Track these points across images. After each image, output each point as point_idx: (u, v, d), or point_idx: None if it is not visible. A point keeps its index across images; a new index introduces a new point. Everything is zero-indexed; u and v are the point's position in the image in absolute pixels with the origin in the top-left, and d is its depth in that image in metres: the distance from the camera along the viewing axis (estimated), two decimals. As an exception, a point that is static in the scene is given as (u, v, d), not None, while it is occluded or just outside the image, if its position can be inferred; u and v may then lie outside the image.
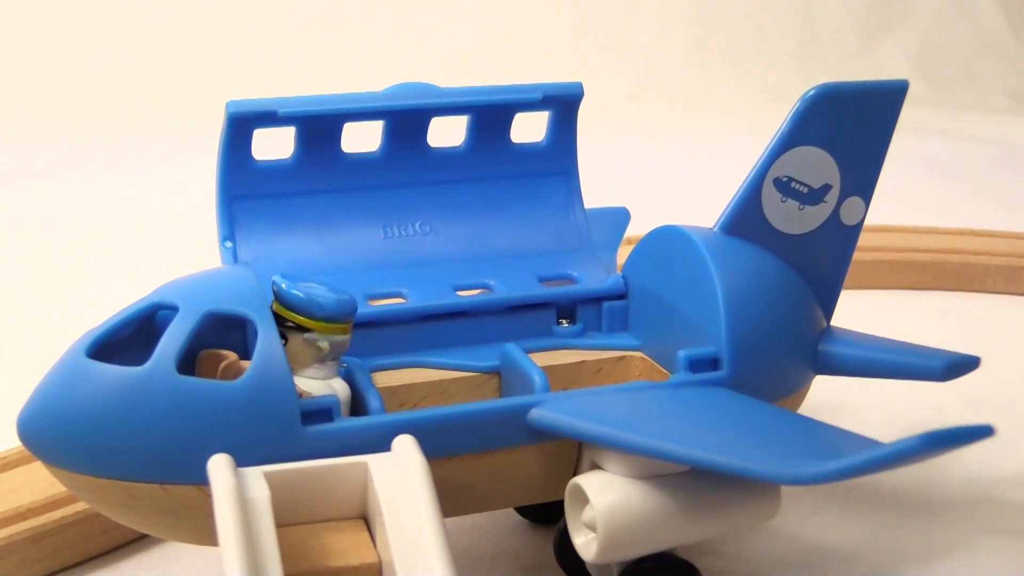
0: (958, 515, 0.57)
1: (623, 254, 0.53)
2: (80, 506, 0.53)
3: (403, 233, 0.52)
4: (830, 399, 0.57)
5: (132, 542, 0.55)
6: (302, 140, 0.51)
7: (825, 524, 0.56)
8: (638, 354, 0.52)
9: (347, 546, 0.40)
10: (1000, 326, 0.80)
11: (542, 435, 0.44)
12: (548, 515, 0.54)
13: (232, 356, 0.44)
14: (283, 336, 0.43)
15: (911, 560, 0.53)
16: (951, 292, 0.86)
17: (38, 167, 1.21)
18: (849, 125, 0.50)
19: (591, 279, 0.53)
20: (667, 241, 0.50)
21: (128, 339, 0.44)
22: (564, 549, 0.48)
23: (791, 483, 0.38)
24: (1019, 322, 0.81)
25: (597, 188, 0.59)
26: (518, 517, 0.55)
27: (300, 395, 0.42)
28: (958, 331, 0.77)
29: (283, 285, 0.43)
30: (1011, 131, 1.46)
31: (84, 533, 0.53)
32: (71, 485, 0.43)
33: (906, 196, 0.87)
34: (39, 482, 0.53)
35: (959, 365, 0.52)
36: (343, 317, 0.44)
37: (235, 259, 0.50)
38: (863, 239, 0.53)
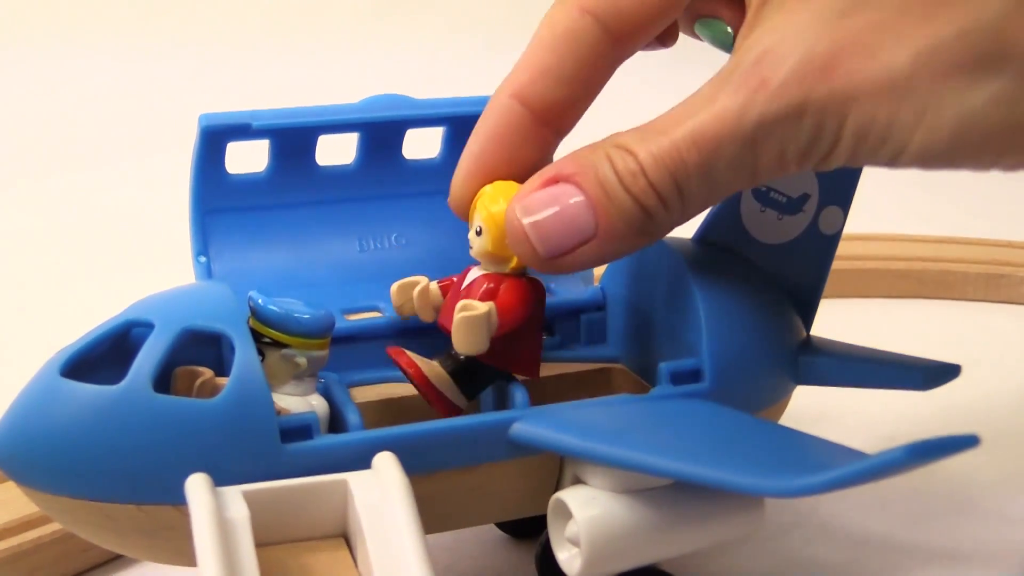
0: (942, 526, 0.56)
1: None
2: (57, 526, 0.52)
3: (379, 246, 0.52)
4: (811, 409, 0.57)
5: (110, 561, 0.54)
6: (276, 153, 0.50)
7: (808, 536, 0.55)
8: (618, 366, 0.52)
9: (327, 565, 0.39)
10: (980, 334, 0.80)
11: (524, 450, 0.44)
12: (529, 530, 0.54)
13: (208, 373, 0.44)
14: (260, 352, 0.42)
15: (895, 571, 0.53)
16: (931, 300, 0.86)
17: (7, 179, 1.20)
18: (828, 134, 0.50)
19: (569, 291, 0.53)
20: (646, 252, 0.50)
21: (102, 357, 0.43)
22: (546, 564, 0.48)
23: (776, 496, 0.38)
24: (999, 330, 0.81)
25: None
26: (499, 532, 0.55)
27: (278, 412, 0.42)
28: (938, 339, 0.77)
29: (260, 300, 0.43)
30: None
31: (62, 552, 0.53)
32: (46, 506, 0.42)
33: (884, 204, 0.87)
34: (14, 501, 0.53)
35: (940, 374, 0.52)
36: (321, 332, 0.44)
37: (209, 274, 0.49)
38: (842, 247, 0.52)
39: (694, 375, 0.47)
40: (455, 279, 0.47)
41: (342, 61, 1.47)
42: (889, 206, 0.90)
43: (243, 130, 0.48)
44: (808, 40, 0.39)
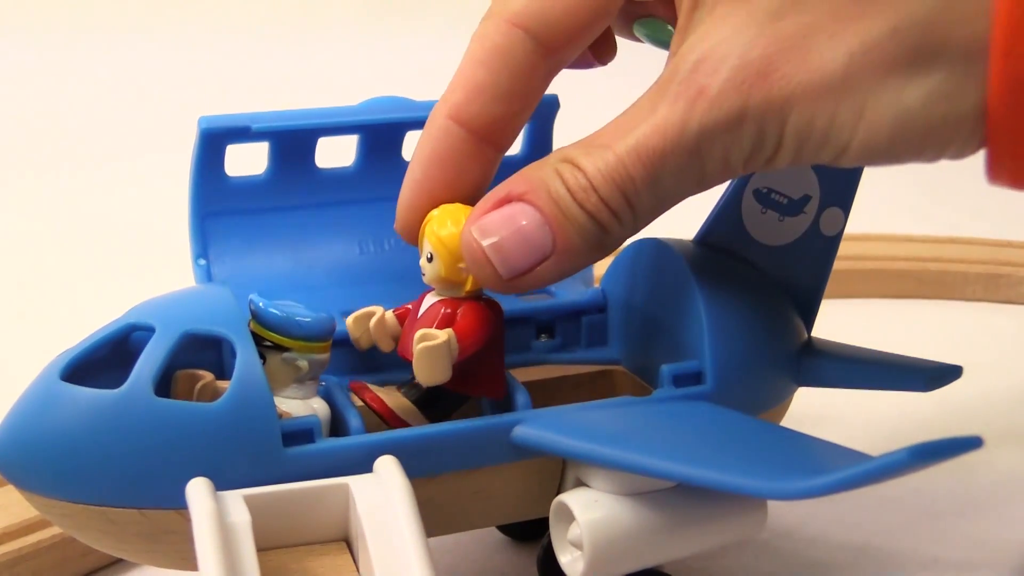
0: (943, 528, 0.56)
1: (601, 266, 0.52)
2: (56, 530, 0.52)
3: (379, 248, 0.52)
4: (812, 410, 0.57)
5: (110, 565, 0.54)
6: (276, 155, 0.50)
7: (810, 538, 0.55)
8: (619, 368, 0.51)
9: (329, 570, 0.39)
10: (980, 334, 0.80)
11: (526, 453, 0.44)
12: (530, 533, 0.54)
13: (208, 376, 0.44)
14: (261, 356, 0.42)
15: (897, 573, 0.53)
16: (931, 300, 0.86)
17: (5, 181, 1.20)
18: (829, 135, 0.49)
19: (569, 292, 0.53)
20: (647, 253, 0.50)
21: (103, 361, 0.43)
22: (548, 566, 0.47)
23: (779, 498, 0.38)
24: (999, 330, 0.81)
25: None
26: (500, 535, 0.55)
27: (279, 415, 0.41)
28: (939, 340, 0.77)
29: (261, 304, 0.43)
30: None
31: (62, 556, 0.53)
32: (46, 511, 0.42)
33: (884, 204, 0.87)
34: (14, 505, 0.52)
35: (942, 375, 0.52)
36: (322, 335, 0.43)
37: (209, 277, 0.49)
38: (841, 247, 0.52)
39: (696, 377, 0.47)
40: (411, 306, 0.46)
41: (342, 61, 1.47)
42: (888, 206, 0.91)
43: (243, 132, 0.48)
44: (742, 45, 0.39)
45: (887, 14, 0.38)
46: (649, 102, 0.41)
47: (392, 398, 0.45)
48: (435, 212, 0.45)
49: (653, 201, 0.41)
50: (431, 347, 0.42)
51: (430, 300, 0.45)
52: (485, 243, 0.42)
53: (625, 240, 0.43)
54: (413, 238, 0.46)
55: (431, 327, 0.44)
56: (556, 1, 0.44)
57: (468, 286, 0.44)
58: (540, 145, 0.53)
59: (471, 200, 0.45)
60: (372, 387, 0.46)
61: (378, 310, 0.46)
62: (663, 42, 0.48)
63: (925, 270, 0.86)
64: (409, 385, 0.46)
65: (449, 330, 0.43)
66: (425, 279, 0.45)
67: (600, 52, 0.49)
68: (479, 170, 0.45)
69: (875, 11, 0.38)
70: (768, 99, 0.39)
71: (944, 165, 0.41)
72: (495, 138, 0.45)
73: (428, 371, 0.43)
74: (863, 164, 0.41)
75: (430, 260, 0.44)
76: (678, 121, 0.40)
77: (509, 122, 0.45)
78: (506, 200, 0.42)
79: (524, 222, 0.42)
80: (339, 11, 1.59)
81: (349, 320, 0.46)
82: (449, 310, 0.44)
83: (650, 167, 0.40)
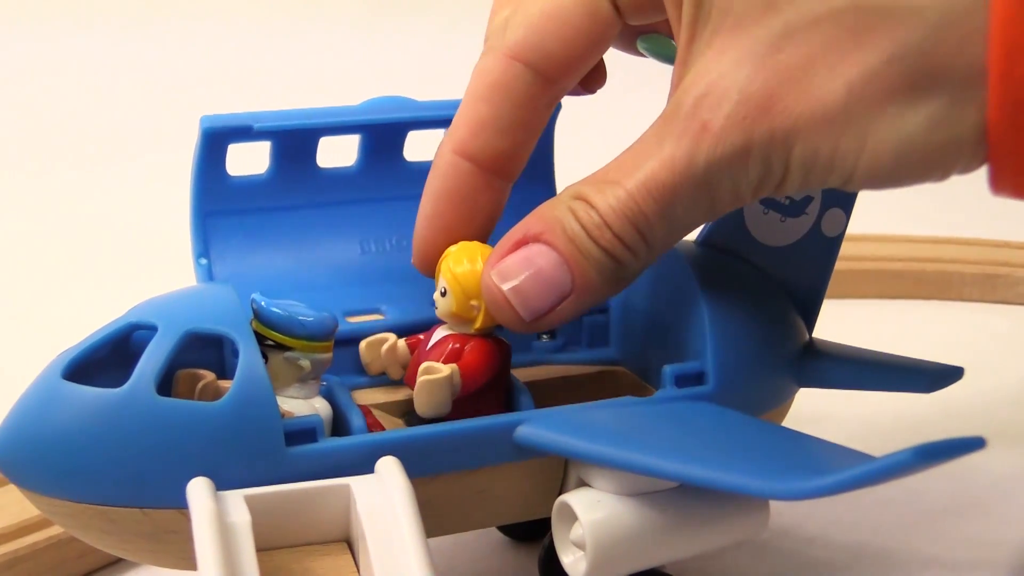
0: (941, 528, 0.56)
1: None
2: (54, 531, 0.52)
3: (380, 248, 0.52)
4: (812, 410, 0.57)
5: (107, 566, 0.54)
6: (277, 155, 0.50)
7: (810, 538, 0.55)
8: (621, 368, 0.51)
9: (330, 570, 0.39)
10: (978, 334, 0.80)
11: (528, 453, 0.44)
12: (531, 533, 0.54)
13: (210, 376, 0.44)
14: (263, 355, 0.42)
15: (895, 572, 0.53)
16: (928, 301, 0.86)
17: (7, 180, 1.20)
18: (831, 136, 0.49)
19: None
20: (649, 254, 0.50)
21: (105, 360, 0.43)
22: (549, 567, 0.47)
23: (782, 499, 0.38)
24: (996, 330, 0.81)
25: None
26: (500, 535, 0.55)
27: (282, 415, 0.41)
28: (935, 339, 0.77)
29: (263, 303, 0.43)
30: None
31: (58, 558, 0.52)
32: (48, 510, 0.42)
33: (881, 204, 0.87)
34: (11, 506, 0.52)
35: (943, 376, 0.52)
36: (325, 335, 0.43)
37: (210, 276, 0.49)
38: (841, 248, 0.52)
39: (698, 378, 0.47)
40: (422, 337, 0.47)
41: (344, 61, 1.47)
42: (886, 206, 0.90)
43: (244, 132, 0.48)
44: (742, 79, 0.39)
45: (883, 43, 0.38)
46: (655, 137, 0.41)
47: (394, 426, 0.46)
48: (453, 248, 0.46)
49: (666, 233, 0.42)
50: (432, 381, 0.43)
51: (440, 333, 0.46)
52: (505, 287, 0.43)
53: (641, 272, 0.44)
54: (430, 272, 0.47)
55: (438, 360, 0.45)
56: (553, 33, 0.45)
57: (478, 323, 0.45)
58: (542, 148, 0.53)
59: (484, 230, 0.46)
60: (376, 412, 0.46)
61: (391, 337, 0.47)
62: (667, 57, 0.48)
63: (923, 270, 0.86)
64: (412, 414, 0.46)
65: (453, 365, 0.44)
66: (437, 313, 0.46)
67: (589, 81, 0.49)
68: (489, 202, 0.47)
69: (871, 41, 0.38)
70: (771, 132, 0.39)
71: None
72: (502, 170, 0.47)
73: (427, 404, 0.44)
74: (870, 188, 0.41)
75: (443, 295, 0.45)
76: (685, 156, 0.40)
77: (515, 153, 0.47)
78: (523, 242, 0.43)
79: (542, 263, 0.42)
80: (341, 10, 1.59)
81: (362, 345, 0.47)
82: (457, 345, 0.45)
83: (661, 201, 0.41)
